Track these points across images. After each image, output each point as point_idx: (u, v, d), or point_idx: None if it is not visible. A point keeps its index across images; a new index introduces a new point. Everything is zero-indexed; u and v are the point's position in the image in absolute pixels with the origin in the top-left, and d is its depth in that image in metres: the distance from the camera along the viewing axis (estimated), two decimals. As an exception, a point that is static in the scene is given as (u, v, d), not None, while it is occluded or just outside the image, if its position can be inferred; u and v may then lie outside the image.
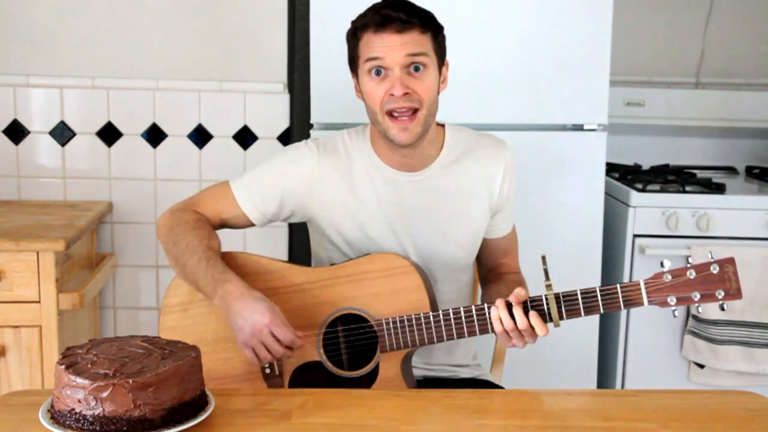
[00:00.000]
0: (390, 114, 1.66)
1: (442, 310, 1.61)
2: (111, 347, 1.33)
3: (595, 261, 2.47)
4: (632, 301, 1.51)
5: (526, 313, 1.54)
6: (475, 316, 1.58)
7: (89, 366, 1.26)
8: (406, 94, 1.63)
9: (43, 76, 2.61)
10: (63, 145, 2.64)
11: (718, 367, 2.55)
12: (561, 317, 1.55)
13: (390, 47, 1.62)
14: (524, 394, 1.56)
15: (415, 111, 1.66)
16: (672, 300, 1.49)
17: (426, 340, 1.61)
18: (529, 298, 1.56)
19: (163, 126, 2.65)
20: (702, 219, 2.53)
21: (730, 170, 3.03)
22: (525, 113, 2.42)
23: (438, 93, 1.72)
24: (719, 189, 2.62)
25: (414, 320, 1.61)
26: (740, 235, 2.55)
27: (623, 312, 2.59)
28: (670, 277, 1.49)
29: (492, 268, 1.89)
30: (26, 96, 2.62)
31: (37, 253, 2.15)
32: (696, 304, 1.50)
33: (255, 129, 2.67)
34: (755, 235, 2.56)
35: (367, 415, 1.40)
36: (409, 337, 1.61)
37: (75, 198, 2.65)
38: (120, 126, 2.64)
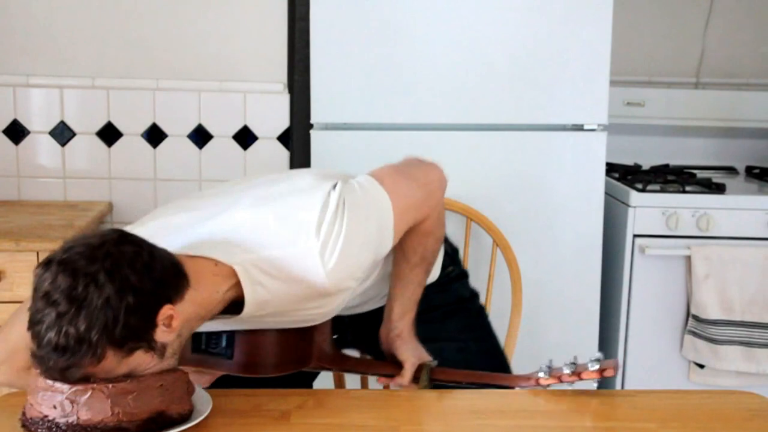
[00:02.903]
0: None
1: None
2: None
3: (595, 261, 2.47)
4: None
5: None
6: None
7: None
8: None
9: (43, 76, 2.61)
10: (63, 145, 2.64)
11: (718, 367, 2.55)
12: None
13: None
14: (524, 394, 1.56)
15: None
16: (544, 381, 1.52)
17: None
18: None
19: (163, 126, 2.65)
20: (702, 219, 2.53)
21: (730, 170, 3.02)
22: (525, 113, 2.42)
23: (166, 349, 1.30)
24: (719, 189, 2.62)
25: None
26: (740, 235, 2.55)
27: (623, 312, 2.59)
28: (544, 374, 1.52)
29: None
30: (26, 96, 2.62)
31: (37, 253, 2.15)
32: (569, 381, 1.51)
33: (255, 129, 2.66)
34: (755, 235, 2.55)
35: (367, 415, 1.39)
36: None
37: (75, 198, 2.65)
38: (120, 126, 2.64)
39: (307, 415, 1.38)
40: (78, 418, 1.19)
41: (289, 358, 1.55)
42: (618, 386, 2.62)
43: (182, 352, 1.47)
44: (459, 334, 1.73)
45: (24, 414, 1.25)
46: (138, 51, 2.63)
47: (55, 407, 1.20)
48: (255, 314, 1.44)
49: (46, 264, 1.25)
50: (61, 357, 1.21)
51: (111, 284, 1.22)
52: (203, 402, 1.34)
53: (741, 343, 2.53)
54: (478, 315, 1.87)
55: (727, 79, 3.14)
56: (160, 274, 1.28)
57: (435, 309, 1.71)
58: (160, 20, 2.62)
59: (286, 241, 1.41)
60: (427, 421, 1.41)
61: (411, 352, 1.61)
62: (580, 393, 1.50)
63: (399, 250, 1.63)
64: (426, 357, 1.62)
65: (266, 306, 1.43)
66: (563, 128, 2.45)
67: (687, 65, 3.15)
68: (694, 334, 2.56)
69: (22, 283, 2.15)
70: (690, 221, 2.54)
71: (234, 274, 1.39)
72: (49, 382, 1.21)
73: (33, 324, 1.24)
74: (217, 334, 1.51)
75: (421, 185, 1.58)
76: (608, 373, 1.46)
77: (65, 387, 1.20)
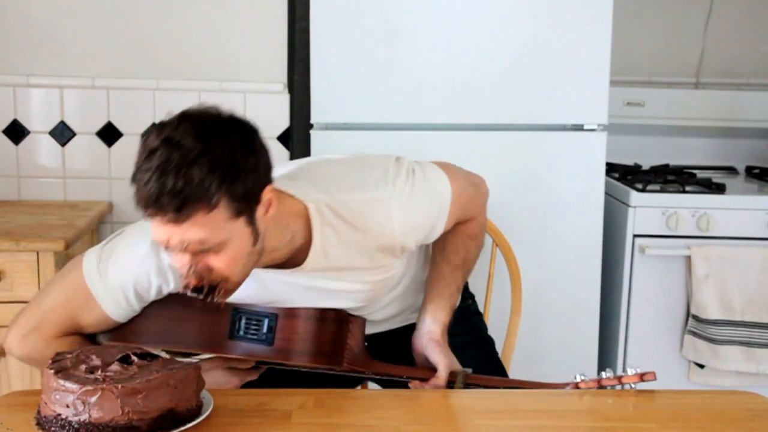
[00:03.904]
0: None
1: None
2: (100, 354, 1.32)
3: (595, 261, 2.47)
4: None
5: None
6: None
7: (80, 369, 1.25)
8: (199, 281, 1.35)
9: (43, 76, 2.61)
10: (63, 145, 2.64)
11: (718, 367, 2.55)
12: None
13: (169, 237, 1.31)
14: (524, 394, 1.56)
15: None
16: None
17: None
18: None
19: (163, 126, 2.65)
20: (702, 219, 2.53)
21: (730, 170, 3.03)
22: (525, 113, 2.42)
23: (258, 237, 1.35)
24: (719, 189, 2.62)
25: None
26: (740, 235, 2.55)
27: (623, 312, 2.59)
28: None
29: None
30: (26, 96, 2.62)
31: (37, 253, 2.15)
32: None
33: (255, 129, 2.66)
34: (755, 235, 2.55)
35: (367, 415, 1.39)
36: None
37: (75, 198, 2.65)
38: (120, 126, 2.64)
39: (308, 414, 1.38)
40: (90, 416, 1.21)
41: (324, 350, 1.55)
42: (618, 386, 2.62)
43: (218, 338, 1.51)
44: (475, 364, 1.73)
45: (39, 412, 1.27)
46: (138, 51, 2.63)
47: (67, 406, 1.22)
48: (318, 266, 1.46)
49: (162, 123, 1.28)
50: (174, 199, 1.23)
51: (237, 139, 1.27)
52: (205, 402, 1.34)
53: (741, 343, 2.53)
54: (492, 348, 1.88)
55: (727, 79, 3.14)
56: (269, 154, 1.33)
57: (455, 335, 1.69)
58: (160, 20, 2.62)
59: (362, 187, 1.46)
60: (428, 421, 1.41)
61: (445, 355, 1.60)
62: (580, 393, 1.50)
63: (440, 252, 1.67)
64: (458, 366, 1.61)
65: (331, 254, 1.45)
66: (563, 128, 2.45)
67: (687, 65, 3.15)
68: (694, 334, 2.56)
69: (22, 283, 2.15)
70: (690, 221, 2.54)
71: (305, 213, 1.42)
72: (61, 381, 1.23)
73: (144, 171, 1.24)
74: (258, 321, 1.53)
75: (471, 183, 1.65)
76: (648, 377, 1.47)
77: (76, 387, 1.21)
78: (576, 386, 1.52)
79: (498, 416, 1.43)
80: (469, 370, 1.60)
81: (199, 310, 1.53)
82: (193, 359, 1.59)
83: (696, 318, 2.55)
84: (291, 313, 1.53)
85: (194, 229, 1.27)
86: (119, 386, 1.21)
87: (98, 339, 1.55)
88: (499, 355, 1.99)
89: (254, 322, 1.53)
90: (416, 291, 1.72)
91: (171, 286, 1.49)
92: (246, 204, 1.30)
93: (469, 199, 1.64)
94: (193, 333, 1.53)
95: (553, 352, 2.49)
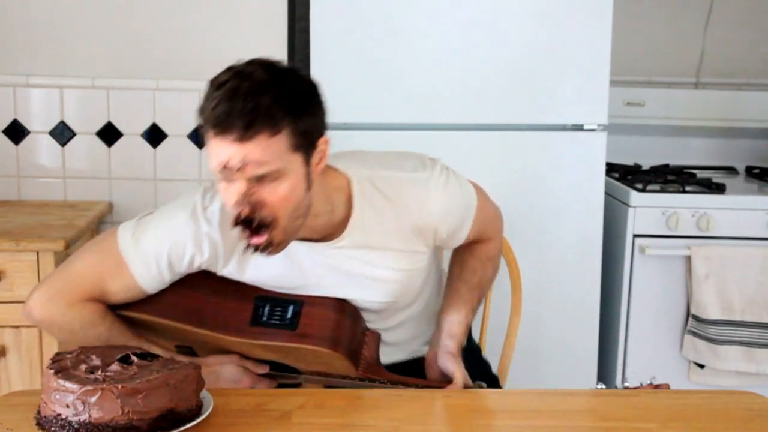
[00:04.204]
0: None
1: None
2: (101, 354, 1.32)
3: (595, 261, 2.48)
4: None
5: None
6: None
7: (80, 369, 1.25)
8: (252, 210, 1.37)
9: (43, 76, 2.61)
10: (63, 145, 2.64)
11: (718, 367, 2.55)
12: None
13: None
14: (524, 394, 1.57)
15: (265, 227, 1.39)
16: None
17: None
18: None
19: (163, 126, 2.65)
20: (702, 219, 2.53)
21: (730, 170, 3.03)
22: (525, 113, 2.42)
23: (310, 186, 1.41)
24: (719, 189, 2.62)
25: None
26: (740, 235, 2.55)
27: (623, 312, 2.60)
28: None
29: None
30: (26, 96, 2.62)
31: (37, 253, 2.15)
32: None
33: (255, 129, 2.66)
34: (755, 235, 2.56)
35: (367, 415, 1.40)
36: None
37: (75, 198, 2.65)
38: (120, 126, 2.64)
39: (308, 414, 1.38)
40: (90, 416, 1.21)
41: (344, 341, 1.56)
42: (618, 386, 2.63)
43: (240, 323, 1.54)
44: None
45: (39, 412, 1.27)
46: (138, 51, 2.63)
47: (67, 406, 1.22)
48: (354, 241, 1.51)
49: (231, 66, 1.38)
50: (242, 119, 1.30)
51: (304, 81, 1.41)
52: (205, 402, 1.35)
53: (741, 343, 2.53)
54: (497, 384, 1.89)
55: (727, 79, 3.14)
56: (326, 111, 1.43)
57: None
58: (160, 20, 2.62)
59: (402, 168, 1.54)
60: (428, 421, 1.41)
61: (461, 367, 1.60)
62: (580, 393, 1.51)
63: (457, 274, 1.70)
64: (470, 383, 1.61)
65: (368, 229, 1.50)
66: (563, 128, 2.45)
67: (687, 65, 3.15)
68: (694, 334, 2.56)
69: (22, 283, 2.15)
70: (690, 221, 2.54)
71: (347, 189, 1.50)
72: (61, 382, 1.23)
73: (212, 99, 1.32)
74: (282, 307, 1.55)
75: (492, 205, 1.71)
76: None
77: (76, 387, 1.21)
78: None
79: (498, 416, 1.43)
80: (484, 384, 1.61)
81: (223, 296, 1.56)
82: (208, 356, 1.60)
83: (696, 318, 2.55)
84: (314, 301, 1.56)
85: (257, 150, 1.32)
86: (119, 386, 1.21)
87: (121, 311, 1.57)
88: (499, 356, 2.00)
89: (278, 309, 1.56)
90: (428, 319, 1.74)
91: (205, 256, 1.52)
92: (305, 142, 1.37)
93: (491, 217, 1.70)
94: (215, 315, 1.56)
95: (553, 352, 2.49)
